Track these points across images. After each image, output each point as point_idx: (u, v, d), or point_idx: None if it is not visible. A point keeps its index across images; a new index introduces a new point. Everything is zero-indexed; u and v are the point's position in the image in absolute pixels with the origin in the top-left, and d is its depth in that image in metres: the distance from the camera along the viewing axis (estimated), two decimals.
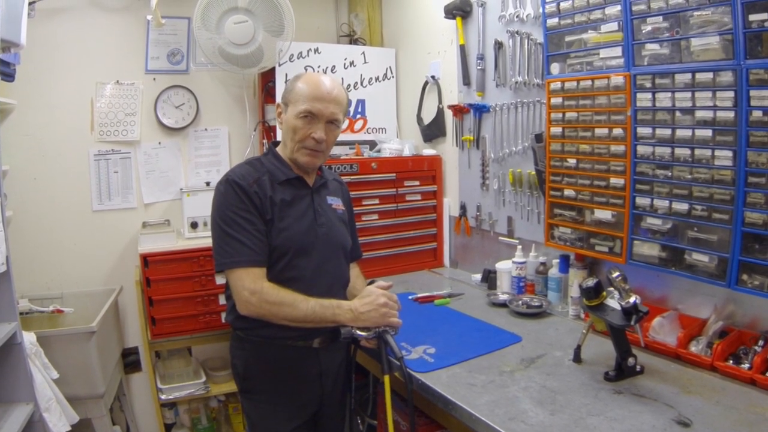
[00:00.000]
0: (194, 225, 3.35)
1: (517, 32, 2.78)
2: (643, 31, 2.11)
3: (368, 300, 1.93)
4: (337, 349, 2.09)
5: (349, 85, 3.65)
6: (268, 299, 1.84)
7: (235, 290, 1.89)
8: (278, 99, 3.42)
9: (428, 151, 3.54)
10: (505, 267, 2.84)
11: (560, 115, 2.49)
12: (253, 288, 1.85)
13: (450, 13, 3.16)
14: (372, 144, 3.67)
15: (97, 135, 3.42)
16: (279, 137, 3.30)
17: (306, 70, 3.53)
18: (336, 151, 3.35)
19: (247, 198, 1.90)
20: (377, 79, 3.79)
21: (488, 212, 3.16)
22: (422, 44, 3.61)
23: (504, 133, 2.97)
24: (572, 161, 2.46)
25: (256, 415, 2.05)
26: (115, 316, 3.36)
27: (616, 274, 1.86)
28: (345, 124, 3.61)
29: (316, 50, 3.60)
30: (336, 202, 2.20)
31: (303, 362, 2.01)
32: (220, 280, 3.21)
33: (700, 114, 1.96)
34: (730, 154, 1.88)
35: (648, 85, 2.12)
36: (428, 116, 3.56)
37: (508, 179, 2.96)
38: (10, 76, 2.64)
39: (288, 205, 1.99)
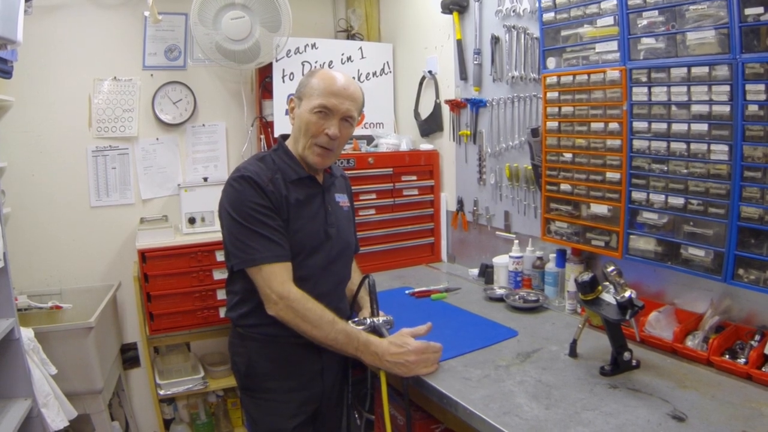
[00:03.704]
0: (192, 220, 3.35)
1: (513, 27, 2.78)
2: (639, 25, 2.11)
3: (397, 351, 1.85)
4: None
5: None
6: (293, 307, 1.81)
7: (261, 290, 1.85)
8: (275, 94, 3.45)
9: (425, 145, 3.54)
10: (502, 261, 2.85)
11: (556, 109, 2.49)
12: (280, 292, 1.81)
13: (447, 8, 3.16)
14: (369, 139, 3.66)
15: (95, 131, 3.42)
16: (277, 132, 3.36)
17: (303, 65, 3.53)
18: None
19: (265, 196, 1.87)
20: (374, 74, 3.79)
21: (485, 207, 3.16)
22: (419, 39, 3.61)
23: (501, 127, 2.97)
24: (568, 156, 2.46)
25: (258, 412, 2.04)
26: (114, 312, 3.37)
27: (611, 268, 1.86)
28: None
29: (314, 45, 3.59)
30: (342, 199, 2.19)
31: (305, 359, 2.01)
32: (218, 275, 3.22)
33: (695, 108, 1.96)
34: (726, 148, 1.88)
35: (644, 79, 2.11)
36: (425, 111, 3.56)
37: (505, 174, 2.96)
38: (7, 73, 2.63)
39: (302, 205, 1.96)
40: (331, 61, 3.63)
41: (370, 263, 3.21)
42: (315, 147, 1.95)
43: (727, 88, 1.86)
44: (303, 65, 3.53)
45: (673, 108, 2.03)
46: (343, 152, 3.28)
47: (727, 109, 1.87)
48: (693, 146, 1.98)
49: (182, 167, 3.67)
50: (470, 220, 3.29)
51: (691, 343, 1.97)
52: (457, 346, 2.12)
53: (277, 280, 1.83)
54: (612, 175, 2.28)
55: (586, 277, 1.91)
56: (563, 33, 2.44)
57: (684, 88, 1.98)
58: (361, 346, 1.86)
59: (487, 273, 2.99)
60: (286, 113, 2.10)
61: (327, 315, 1.84)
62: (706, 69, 1.91)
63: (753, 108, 1.80)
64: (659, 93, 2.07)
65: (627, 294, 1.80)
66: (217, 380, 3.44)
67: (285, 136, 2.11)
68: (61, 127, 3.32)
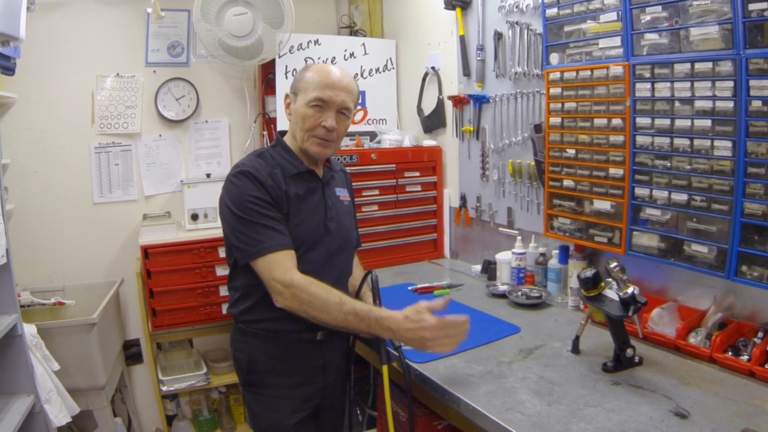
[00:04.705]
0: (195, 217, 3.35)
1: (516, 23, 2.77)
2: (642, 21, 2.10)
3: (412, 326, 1.76)
4: (339, 340, 2.08)
5: None
6: (299, 296, 1.79)
7: (266, 282, 1.83)
8: (278, 90, 3.45)
9: (428, 142, 3.53)
10: (504, 258, 2.84)
11: (559, 105, 2.49)
12: (284, 280, 1.79)
13: (450, 4, 3.15)
14: (372, 135, 3.66)
15: (98, 128, 3.42)
16: (279, 128, 3.36)
17: (306, 61, 3.53)
18: None
19: (264, 190, 1.86)
20: (377, 70, 3.78)
21: (488, 203, 3.15)
22: (422, 35, 3.60)
23: (504, 123, 2.97)
24: (571, 152, 2.45)
25: (260, 408, 2.03)
26: (116, 308, 3.38)
27: (614, 264, 1.86)
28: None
29: (316, 42, 3.59)
30: (343, 194, 2.18)
31: (307, 355, 2.00)
32: (221, 271, 3.22)
33: (699, 104, 1.95)
34: (729, 144, 1.88)
35: (647, 75, 2.11)
36: (428, 107, 3.56)
37: (508, 170, 2.96)
38: (10, 70, 2.63)
39: (301, 199, 1.96)
40: (333, 58, 3.63)
41: (373, 259, 3.21)
42: (314, 138, 1.95)
43: (730, 83, 1.85)
44: (306, 61, 3.53)
45: (677, 104, 2.03)
46: (345, 148, 3.30)
47: (730, 105, 1.86)
48: (696, 142, 1.97)
49: (185, 164, 3.67)
50: (473, 217, 3.29)
51: (694, 340, 1.97)
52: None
53: (279, 270, 1.81)
54: (615, 171, 2.27)
55: (589, 273, 1.91)
56: (566, 29, 2.43)
57: (687, 84, 1.97)
58: (374, 323, 1.79)
59: (489, 269, 2.98)
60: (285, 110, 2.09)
61: (333, 297, 1.80)
62: (709, 65, 1.90)
63: (757, 104, 1.79)
64: (662, 89, 2.06)
65: (630, 290, 1.79)
66: (220, 376, 3.45)
67: (283, 133, 2.11)
68: (63, 123, 3.33)
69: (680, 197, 2.04)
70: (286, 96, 2.06)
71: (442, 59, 3.43)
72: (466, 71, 3.16)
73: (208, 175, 3.50)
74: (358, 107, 3.68)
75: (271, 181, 1.89)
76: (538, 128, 2.62)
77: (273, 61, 3.47)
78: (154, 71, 3.53)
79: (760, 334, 1.86)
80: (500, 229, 3.08)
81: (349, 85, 1.99)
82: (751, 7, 1.76)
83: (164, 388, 3.24)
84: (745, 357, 1.83)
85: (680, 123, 2.02)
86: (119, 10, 3.39)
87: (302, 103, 1.94)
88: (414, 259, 3.48)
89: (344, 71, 2.02)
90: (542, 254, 2.74)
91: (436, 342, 1.77)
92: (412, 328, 1.76)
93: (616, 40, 2.21)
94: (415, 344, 1.78)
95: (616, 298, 1.84)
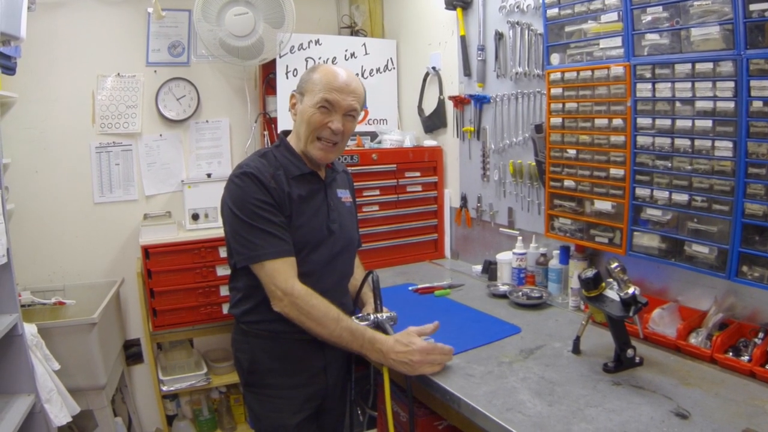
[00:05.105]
0: (195, 216, 3.35)
1: (517, 23, 2.77)
2: (643, 21, 2.10)
3: (402, 350, 1.83)
4: None
5: None
6: (298, 304, 1.81)
7: (266, 286, 1.85)
8: (279, 90, 3.45)
9: (429, 142, 3.53)
10: (505, 258, 2.83)
11: (560, 105, 2.48)
12: (285, 288, 1.81)
13: (450, 4, 3.14)
14: (373, 135, 3.66)
15: (99, 127, 3.43)
16: (280, 128, 3.35)
17: (307, 61, 3.53)
18: None
19: (267, 192, 1.86)
20: (378, 70, 3.78)
21: (489, 203, 3.15)
22: (423, 35, 3.60)
23: (504, 123, 2.96)
24: (572, 152, 2.45)
25: (261, 409, 2.03)
26: (117, 308, 3.38)
27: (614, 264, 1.86)
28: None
29: (317, 42, 3.59)
30: (345, 195, 2.18)
31: (309, 356, 2.01)
32: (221, 271, 3.22)
33: (700, 104, 1.95)
34: (730, 144, 1.87)
35: (648, 75, 2.10)
36: (429, 107, 3.55)
37: (509, 170, 2.96)
38: (11, 70, 2.64)
39: (304, 201, 1.96)
40: (334, 58, 3.63)
41: (374, 259, 3.21)
42: (318, 141, 1.95)
43: (731, 84, 1.85)
44: (306, 61, 3.53)
45: (678, 104, 2.02)
46: (346, 148, 3.28)
47: (731, 105, 1.86)
48: (697, 143, 1.97)
49: (186, 163, 3.67)
50: (474, 217, 3.29)
51: (695, 340, 1.96)
52: (461, 342, 2.11)
53: (281, 277, 1.82)
54: (616, 172, 2.27)
55: (590, 273, 1.90)
56: (567, 29, 2.43)
57: (688, 84, 1.97)
58: (366, 343, 1.85)
59: (490, 269, 2.98)
60: (289, 110, 2.09)
61: (331, 312, 1.84)
62: (710, 65, 1.90)
63: (758, 104, 1.79)
64: (663, 89, 2.06)
65: (630, 291, 1.79)
66: (220, 376, 3.45)
67: (286, 132, 2.10)
68: (64, 123, 3.33)
69: (681, 198, 2.04)
70: (292, 96, 2.05)
71: (442, 59, 3.43)
72: (466, 71, 3.16)
73: (209, 175, 3.51)
74: None
75: (274, 182, 1.89)
76: (538, 128, 2.62)
77: (274, 61, 3.47)
78: (155, 71, 3.53)
79: (760, 335, 1.86)
80: (501, 229, 3.07)
81: (357, 88, 2.00)
82: (752, 7, 1.75)
83: (164, 388, 3.25)
84: (746, 357, 1.82)
85: (681, 123, 2.01)
86: (120, 9, 3.39)
87: (309, 104, 1.94)
88: (415, 260, 3.47)
89: (351, 73, 2.02)
90: (543, 254, 2.74)
91: (423, 365, 1.84)
92: (402, 351, 1.82)
93: (617, 41, 2.20)
94: (402, 367, 1.83)
95: (617, 298, 1.83)
